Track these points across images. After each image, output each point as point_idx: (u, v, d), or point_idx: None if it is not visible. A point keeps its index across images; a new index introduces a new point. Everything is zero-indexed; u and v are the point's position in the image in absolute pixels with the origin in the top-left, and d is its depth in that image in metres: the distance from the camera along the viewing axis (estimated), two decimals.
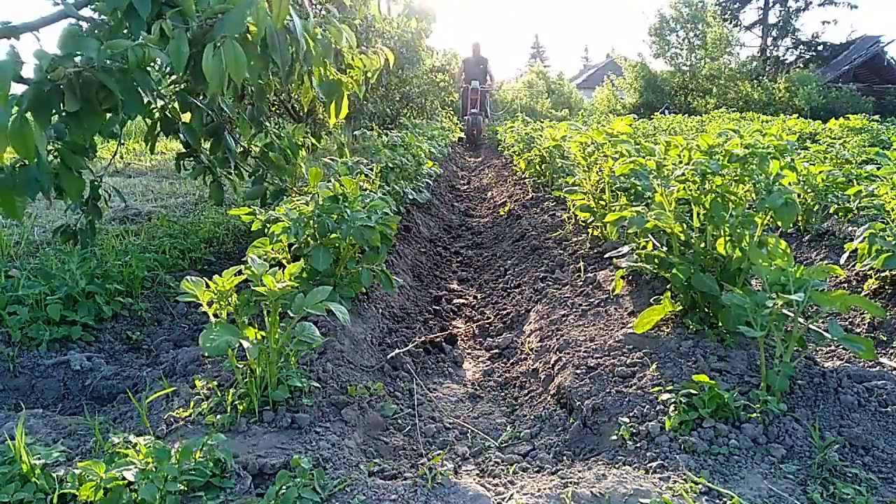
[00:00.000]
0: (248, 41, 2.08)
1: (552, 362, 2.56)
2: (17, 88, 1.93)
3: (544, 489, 1.57)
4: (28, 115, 1.89)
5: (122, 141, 6.01)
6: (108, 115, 2.21)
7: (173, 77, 2.96)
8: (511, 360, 2.91)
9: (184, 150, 3.33)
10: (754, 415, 1.81)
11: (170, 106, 2.95)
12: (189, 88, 2.74)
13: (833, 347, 2.58)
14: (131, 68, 1.93)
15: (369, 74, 2.99)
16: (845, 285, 3.18)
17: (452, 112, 16.05)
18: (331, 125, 2.91)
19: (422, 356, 2.91)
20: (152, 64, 2.08)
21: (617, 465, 1.72)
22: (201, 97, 2.89)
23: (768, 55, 31.56)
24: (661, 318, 2.50)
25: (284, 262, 2.70)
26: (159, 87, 2.75)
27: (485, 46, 15.06)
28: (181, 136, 3.03)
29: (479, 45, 14.86)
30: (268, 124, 3.29)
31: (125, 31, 2.14)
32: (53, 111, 1.99)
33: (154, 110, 2.96)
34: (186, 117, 3.00)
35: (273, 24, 2.14)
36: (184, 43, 1.98)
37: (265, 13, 2.04)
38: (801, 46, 31.95)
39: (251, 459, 1.60)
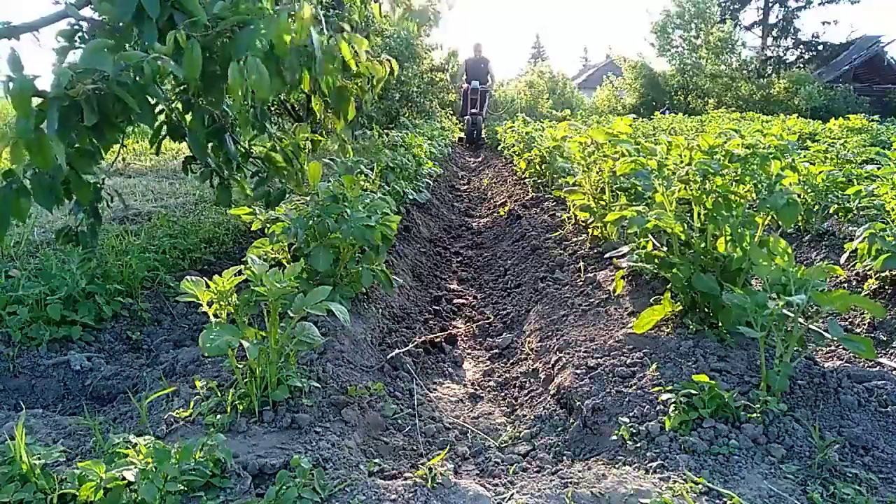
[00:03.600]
0: (268, 57, 2.11)
1: (552, 362, 2.56)
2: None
3: (544, 489, 1.57)
4: (45, 126, 1.90)
5: (124, 143, 5.99)
6: (123, 123, 2.22)
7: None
8: (511, 360, 2.91)
9: (190, 154, 3.33)
10: (754, 415, 1.81)
11: (176, 110, 2.96)
12: (196, 94, 2.75)
13: (833, 347, 2.58)
14: (147, 81, 1.94)
15: (375, 82, 2.99)
16: (845, 285, 3.18)
17: (452, 112, 16.04)
18: (338, 130, 2.90)
19: (422, 356, 2.91)
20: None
21: (617, 465, 1.72)
22: (203, 100, 2.89)
23: (769, 55, 31.54)
24: (661, 318, 2.50)
25: (284, 262, 2.70)
26: (165, 93, 2.75)
27: (485, 47, 15.10)
28: (187, 141, 3.03)
29: (481, 46, 14.89)
30: (269, 125, 3.28)
31: (133, 33, 2.15)
32: (73, 125, 2.00)
33: (161, 112, 2.96)
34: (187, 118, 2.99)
35: (295, 42, 2.17)
36: (198, 54, 2.00)
37: (289, 32, 2.06)
38: (801, 46, 31.93)
39: (251, 459, 1.59)
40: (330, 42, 2.49)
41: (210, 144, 3.17)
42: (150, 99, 2.10)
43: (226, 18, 2.12)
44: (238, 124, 3.06)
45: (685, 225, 2.51)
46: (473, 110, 14.64)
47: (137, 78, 1.94)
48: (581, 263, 3.61)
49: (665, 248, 2.67)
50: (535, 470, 1.88)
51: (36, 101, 1.91)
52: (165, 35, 2.01)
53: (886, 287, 2.96)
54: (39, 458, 1.46)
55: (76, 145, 2.28)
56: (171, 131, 2.99)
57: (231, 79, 1.99)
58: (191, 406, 1.89)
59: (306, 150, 3.43)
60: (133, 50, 1.99)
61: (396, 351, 2.76)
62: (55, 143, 1.91)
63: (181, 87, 2.83)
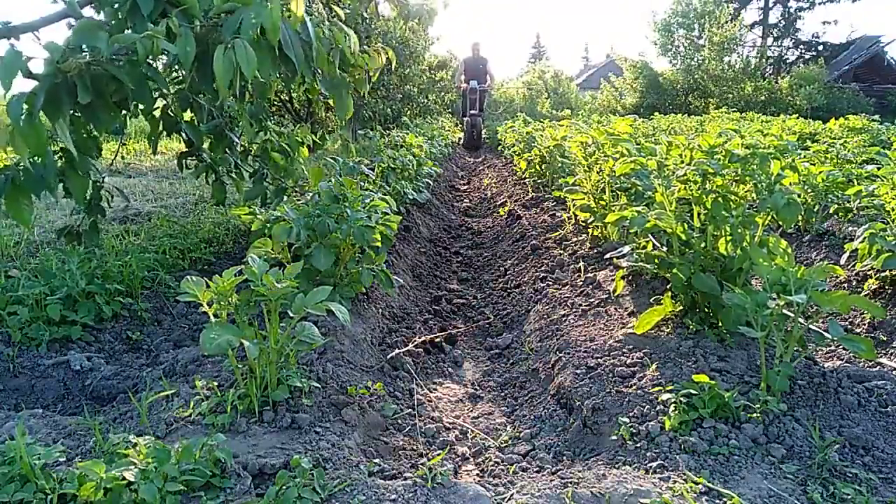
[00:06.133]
0: (258, 42, 2.09)
1: (552, 362, 2.56)
2: (22, 86, 1.92)
3: (544, 489, 1.57)
4: (40, 112, 1.88)
5: (124, 141, 5.99)
6: (120, 109, 2.20)
7: (174, 76, 2.96)
8: (511, 360, 2.91)
9: (185, 150, 3.33)
10: (754, 415, 1.81)
11: (172, 105, 2.95)
12: (191, 88, 2.74)
13: (833, 347, 2.58)
14: (141, 60, 1.92)
15: (371, 73, 2.99)
16: (845, 285, 3.18)
17: (451, 113, 16.01)
18: (340, 124, 2.90)
19: (422, 356, 2.91)
20: (158, 58, 2.07)
21: (617, 465, 1.72)
22: (202, 96, 2.89)
23: (769, 55, 31.55)
24: (661, 319, 2.50)
25: (284, 262, 2.70)
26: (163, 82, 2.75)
27: (486, 46, 15.08)
28: (183, 134, 3.02)
29: (479, 45, 14.84)
30: (268, 123, 3.28)
31: (129, 29, 2.14)
32: (66, 104, 1.97)
33: (156, 108, 2.96)
34: (186, 116, 2.99)
35: (291, 25, 2.15)
36: (190, 40, 1.98)
37: (279, 15, 2.04)
38: (802, 46, 31.97)
39: (251, 459, 1.59)
40: (324, 30, 2.48)
41: (208, 141, 3.17)
42: (147, 78, 2.07)
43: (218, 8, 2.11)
44: (238, 122, 3.06)
45: (685, 225, 2.51)
46: (472, 111, 14.58)
47: (131, 56, 1.92)
48: (581, 263, 3.61)
49: (665, 248, 2.67)
50: (535, 470, 1.88)
51: (32, 84, 1.89)
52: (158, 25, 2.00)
53: (886, 287, 2.96)
54: (39, 458, 1.45)
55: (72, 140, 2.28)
56: (167, 126, 2.99)
57: (216, 62, 1.95)
58: (191, 406, 1.89)
59: (306, 147, 3.43)
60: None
61: (396, 351, 2.76)
62: (60, 127, 1.89)
63: (179, 86, 2.83)
